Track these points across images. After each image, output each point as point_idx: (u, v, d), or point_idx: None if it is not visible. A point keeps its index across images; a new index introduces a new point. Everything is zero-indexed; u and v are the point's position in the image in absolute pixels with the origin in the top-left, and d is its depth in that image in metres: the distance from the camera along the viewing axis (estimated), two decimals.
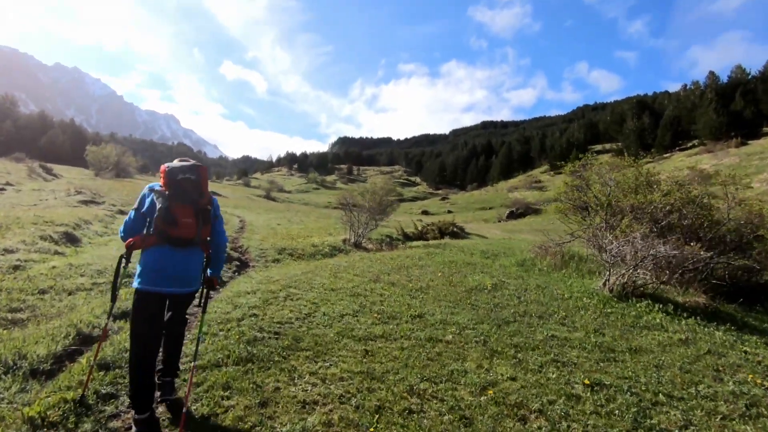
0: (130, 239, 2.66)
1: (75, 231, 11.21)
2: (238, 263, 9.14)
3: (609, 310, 5.21)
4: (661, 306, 5.48)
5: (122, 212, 20.12)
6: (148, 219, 2.69)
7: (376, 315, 4.50)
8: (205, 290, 2.99)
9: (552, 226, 34.16)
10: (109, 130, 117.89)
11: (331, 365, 3.28)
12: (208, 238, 2.90)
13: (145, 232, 2.68)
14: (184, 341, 3.15)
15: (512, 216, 47.47)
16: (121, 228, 2.78)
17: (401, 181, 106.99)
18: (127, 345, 3.10)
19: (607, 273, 6.03)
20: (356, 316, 4.45)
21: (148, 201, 2.72)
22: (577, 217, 9.09)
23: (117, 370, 3.03)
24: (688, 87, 75.26)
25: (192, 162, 2.85)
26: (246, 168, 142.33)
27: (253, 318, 4.27)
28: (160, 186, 2.71)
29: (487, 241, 13.25)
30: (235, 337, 3.68)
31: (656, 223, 6.76)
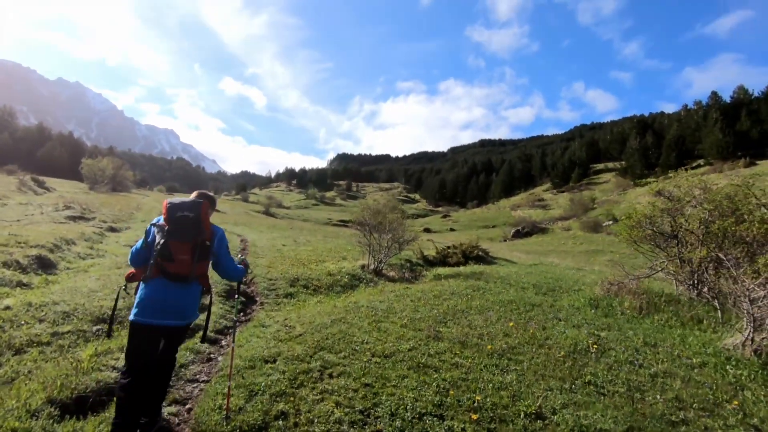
0: (130, 271, 2.84)
1: (51, 254, 9.56)
2: (242, 298, 7.52)
3: None
4: None
5: (113, 229, 18.47)
6: (151, 252, 2.75)
7: (470, 414, 2.89)
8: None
9: (565, 247, 32.67)
10: (109, 144, 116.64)
11: None
12: (208, 272, 2.98)
13: (148, 264, 2.73)
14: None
15: (518, 235, 46.08)
16: (129, 255, 2.92)
17: (401, 198, 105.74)
18: None
19: (749, 329, 4.46)
20: (441, 416, 2.84)
21: (151, 234, 2.82)
22: (648, 246, 7.58)
23: None
24: (689, 107, 75.14)
25: (193, 199, 2.87)
26: (245, 183, 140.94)
27: (281, 422, 2.67)
28: (162, 221, 2.77)
29: (524, 269, 11.66)
30: None
31: None
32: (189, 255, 2.73)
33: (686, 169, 7.66)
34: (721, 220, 5.96)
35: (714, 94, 69.75)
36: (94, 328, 5.40)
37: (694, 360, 4.31)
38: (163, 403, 3.06)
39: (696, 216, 6.29)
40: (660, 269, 7.08)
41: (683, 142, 62.98)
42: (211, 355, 4.56)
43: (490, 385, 3.36)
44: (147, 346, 2.73)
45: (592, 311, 6.40)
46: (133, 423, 2.60)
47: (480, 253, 14.61)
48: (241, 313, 6.82)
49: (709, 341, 4.94)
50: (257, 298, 7.74)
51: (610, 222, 42.07)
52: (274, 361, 3.78)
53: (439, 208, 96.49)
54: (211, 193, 3.22)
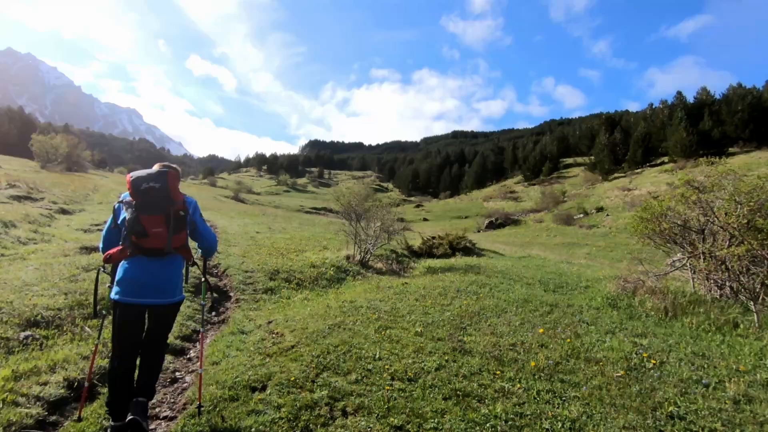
0: (108, 252, 2.61)
1: None
2: (214, 294, 6.43)
3: None
4: None
5: (65, 211, 16.60)
6: (123, 231, 2.61)
7: None
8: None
9: (540, 239, 32.80)
10: (65, 122, 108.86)
11: None
12: (189, 243, 2.84)
13: (121, 244, 2.60)
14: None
15: (492, 226, 46.32)
16: (101, 239, 2.79)
17: (374, 186, 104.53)
18: None
19: None
20: None
21: (121, 214, 2.68)
22: (662, 241, 7.02)
23: None
24: (654, 106, 77.57)
25: (157, 169, 2.70)
26: (212, 167, 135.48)
27: None
28: (129, 196, 2.61)
29: (517, 262, 11.03)
30: None
31: None
32: (163, 227, 2.58)
33: (706, 159, 7.09)
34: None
35: (679, 94, 72.18)
36: (22, 335, 4.21)
37: (760, 376, 3.68)
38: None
39: (729, 209, 5.73)
40: (680, 266, 6.54)
41: (650, 139, 64.83)
42: (177, 374, 3.53)
43: (559, 423, 2.53)
44: (133, 327, 2.64)
45: (614, 312, 5.75)
46: (126, 401, 2.50)
47: (467, 244, 13.94)
48: (213, 312, 5.76)
49: (761, 351, 4.35)
50: (231, 294, 6.66)
51: (581, 215, 42.81)
52: (264, 388, 2.81)
53: (412, 198, 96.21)
54: (174, 165, 2.93)
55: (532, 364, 3.41)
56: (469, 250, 13.71)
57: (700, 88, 70.73)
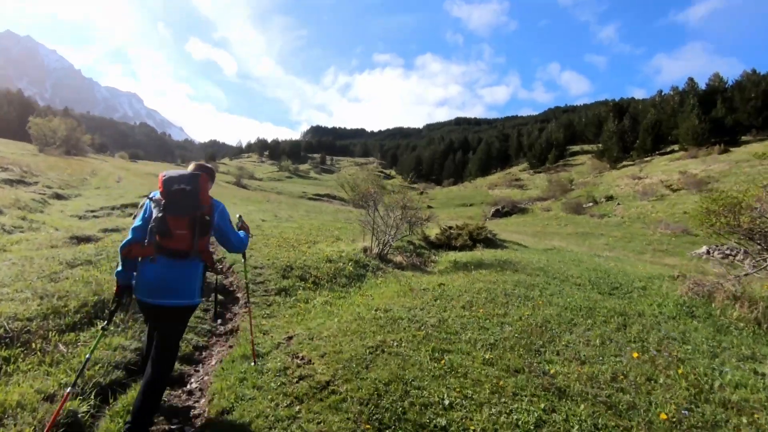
0: (126, 249, 2.55)
1: None
2: (220, 296, 5.50)
3: None
4: None
5: (60, 196, 15.66)
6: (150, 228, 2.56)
7: None
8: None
9: (551, 228, 31.84)
10: (65, 106, 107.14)
11: None
12: (209, 248, 2.78)
13: (146, 241, 2.53)
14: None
15: (498, 214, 45.43)
16: (130, 232, 2.64)
17: (376, 173, 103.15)
18: None
19: None
20: None
21: (148, 209, 2.65)
22: (739, 237, 6.05)
23: None
24: (664, 93, 75.83)
25: (191, 171, 2.70)
26: (214, 152, 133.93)
27: None
28: (158, 194, 2.59)
29: (552, 257, 10.06)
30: None
31: None
32: (188, 230, 2.54)
33: None
34: None
35: (691, 80, 70.39)
36: None
37: None
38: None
39: None
40: (765, 266, 5.59)
41: (660, 126, 63.33)
42: (172, 425, 2.58)
43: None
44: (152, 327, 2.72)
45: (695, 323, 4.82)
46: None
47: (488, 235, 12.99)
48: (218, 320, 4.83)
49: None
50: (238, 294, 5.74)
51: (591, 204, 41.78)
52: None
53: (415, 185, 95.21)
54: (210, 165, 2.94)
55: (662, 416, 2.48)
56: (491, 242, 12.76)
57: (713, 75, 68.94)
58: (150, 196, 2.66)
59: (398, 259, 9.19)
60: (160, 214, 2.50)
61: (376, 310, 4.33)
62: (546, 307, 4.75)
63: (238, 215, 3.57)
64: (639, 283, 6.82)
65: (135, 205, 14.21)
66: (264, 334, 4.06)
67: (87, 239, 8.52)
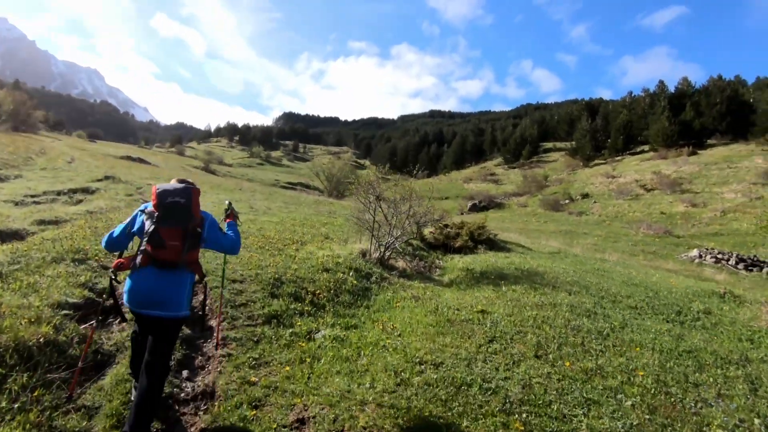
0: (118, 260, 2.61)
1: None
2: (186, 329, 3.95)
3: None
4: None
5: None
6: (140, 240, 2.59)
7: None
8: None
9: (531, 225, 31.36)
10: (16, 78, 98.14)
11: None
12: (199, 260, 2.80)
13: (137, 252, 2.56)
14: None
15: (475, 209, 45.07)
16: (104, 238, 2.71)
17: (351, 163, 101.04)
18: None
19: None
20: None
21: (138, 221, 2.67)
22: None
23: None
24: (634, 95, 77.59)
25: (184, 185, 2.70)
26: (180, 135, 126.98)
27: None
28: (151, 207, 2.61)
29: (570, 265, 8.97)
30: None
31: None
32: (179, 241, 2.55)
33: None
34: None
35: (661, 83, 72.16)
36: None
37: None
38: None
39: None
40: None
41: (631, 127, 64.71)
42: None
43: None
44: (141, 327, 2.72)
45: None
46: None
47: (489, 236, 11.84)
48: (184, 372, 3.29)
49: None
50: (212, 321, 4.21)
51: (567, 201, 41.88)
52: None
53: (389, 177, 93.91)
54: (192, 181, 2.82)
55: None
56: (493, 243, 11.63)
57: (681, 79, 70.89)
58: (142, 208, 2.67)
59: (400, 264, 7.85)
60: (153, 227, 2.50)
61: (421, 364, 2.96)
62: (640, 354, 3.52)
63: (227, 201, 3.41)
64: (698, 305, 5.77)
65: (86, 190, 12.10)
66: (253, 407, 2.61)
67: (12, 235, 6.69)
